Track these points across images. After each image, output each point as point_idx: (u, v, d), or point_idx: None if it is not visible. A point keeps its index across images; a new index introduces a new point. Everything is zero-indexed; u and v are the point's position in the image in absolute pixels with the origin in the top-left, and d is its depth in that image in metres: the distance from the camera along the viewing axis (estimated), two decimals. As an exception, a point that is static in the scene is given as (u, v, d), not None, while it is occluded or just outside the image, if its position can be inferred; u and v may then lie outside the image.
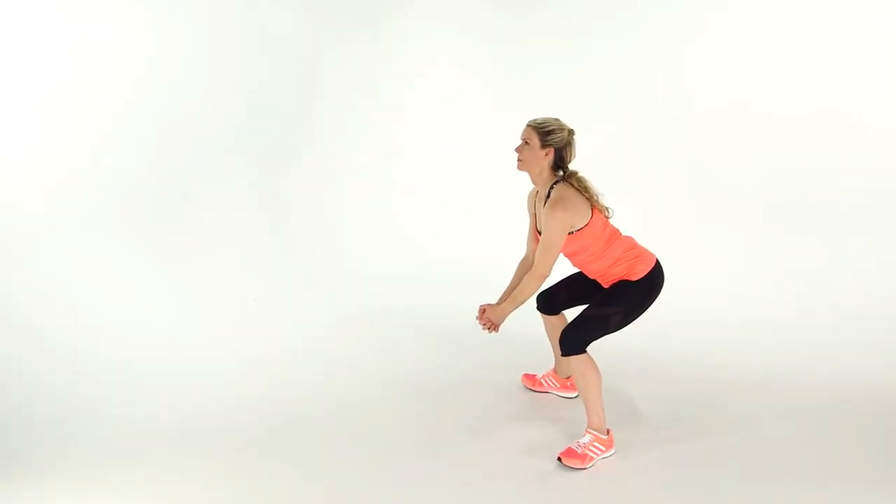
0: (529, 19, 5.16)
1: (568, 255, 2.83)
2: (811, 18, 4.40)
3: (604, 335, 2.73)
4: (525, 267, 3.04)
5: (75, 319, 3.55)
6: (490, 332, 2.90)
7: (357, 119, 5.17)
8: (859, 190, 4.34)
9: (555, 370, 3.28)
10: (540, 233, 2.80)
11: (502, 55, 5.24)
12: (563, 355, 2.75)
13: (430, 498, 2.49)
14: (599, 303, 2.76)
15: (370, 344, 3.91)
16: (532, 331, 3.37)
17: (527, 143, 2.76)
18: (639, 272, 2.75)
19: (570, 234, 2.70)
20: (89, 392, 3.19)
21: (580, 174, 2.77)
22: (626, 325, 2.76)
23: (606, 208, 2.78)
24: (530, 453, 2.75)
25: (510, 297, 2.81)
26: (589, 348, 2.71)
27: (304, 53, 4.88)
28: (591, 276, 2.88)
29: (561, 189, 2.72)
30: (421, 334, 4.04)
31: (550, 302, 3.09)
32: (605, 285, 2.84)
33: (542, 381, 3.30)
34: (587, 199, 2.72)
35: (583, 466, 2.63)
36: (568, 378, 3.23)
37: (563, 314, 3.11)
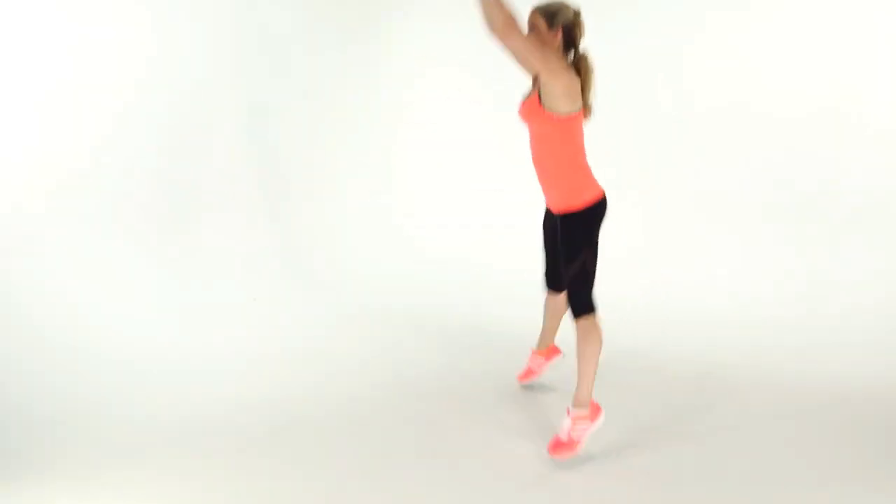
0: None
1: (531, 136, 2.75)
2: (811, 18, 4.40)
3: (594, 280, 2.72)
4: None
5: (75, 319, 3.55)
6: None
7: (357, 119, 5.17)
8: (859, 190, 4.33)
9: (534, 350, 3.29)
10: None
11: (502, 55, 5.23)
12: (575, 318, 2.71)
13: (430, 498, 2.49)
14: (566, 262, 2.72)
15: (370, 344, 3.91)
16: (532, 331, 3.36)
17: (535, 27, 2.67)
18: (583, 198, 2.68)
19: (550, 112, 2.60)
20: (89, 392, 3.19)
21: (590, 59, 2.69)
22: (596, 256, 2.73)
23: (590, 109, 2.71)
24: (530, 453, 2.75)
25: None
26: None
27: (304, 53, 4.88)
28: (537, 169, 2.79)
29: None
30: (421, 334, 4.04)
31: (557, 277, 3.01)
32: (547, 194, 2.79)
33: (530, 366, 3.31)
34: (584, 95, 2.66)
35: (574, 453, 2.62)
36: (548, 347, 3.26)
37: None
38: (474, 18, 5.54)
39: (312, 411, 3.12)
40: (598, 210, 2.72)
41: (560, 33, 2.66)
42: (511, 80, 5.28)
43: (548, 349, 3.28)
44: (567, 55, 2.70)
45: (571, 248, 2.72)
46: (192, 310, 3.95)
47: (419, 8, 5.28)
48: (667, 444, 2.81)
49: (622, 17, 4.90)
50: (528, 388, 3.34)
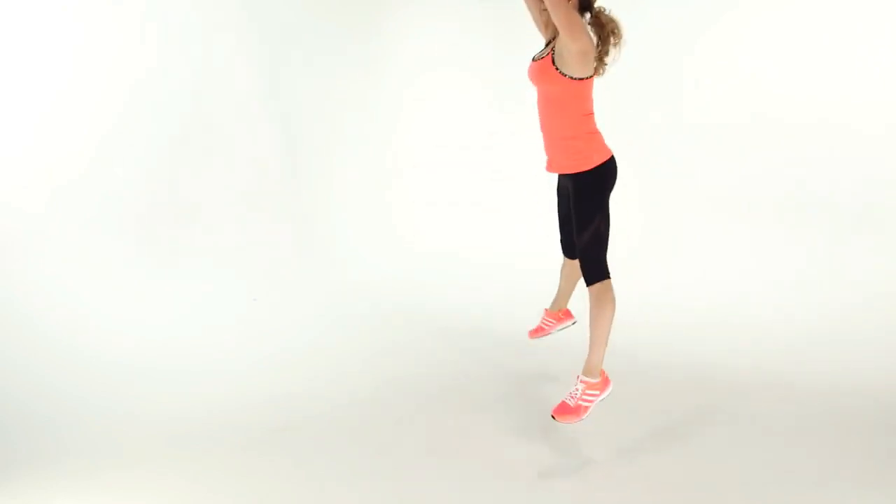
0: (530, 19, 5.15)
1: (541, 98, 2.72)
2: (811, 20, 4.40)
3: (607, 244, 2.71)
4: None
5: (75, 319, 3.55)
6: None
7: (357, 118, 5.17)
8: (860, 190, 4.33)
9: (548, 310, 3.30)
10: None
11: (502, 55, 5.23)
12: (588, 285, 2.69)
13: (430, 498, 2.49)
14: (579, 230, 2.70)
15: (370, 344, 3.91)
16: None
17: None
18: (592, 161, 2.65)
19: (562, 75, 2.58)
20: (89, 392, 3.19)
21: (608, 12, 2.63)
22: (608, 221, 2.70)
23: (604, 66, 2.67)
24: (531, 453, 2.75)
25: None
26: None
27: (304, 54, 4.88)
28: (544, 133, 2.77)
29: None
30: (420, 334, 4.04)
31: (573, 246, 3.00)
32: (554, 159, 2.75)
33: (542, 325, 3.31)
34: (601, 53, 2.62)
35: (578, 419, 2.62)
36: (560, 310, 3.27)
37: None
38: (474, 18, 5.56)
39: (313, 411, 3.12)
40: (607, 172, 2.68)
41: None
42: (510, 80, 5.29)
43: (561, 312, 3.28)
44: (582, 17, 2.63)
45: (584, 213, 2.68)
46: (192, 310, 3.95)
47: (419, 8, 5.29)
48: (667, 443, 2.81)
49: (625, 17, 4.89)
50: (530, 383, 3.35)
